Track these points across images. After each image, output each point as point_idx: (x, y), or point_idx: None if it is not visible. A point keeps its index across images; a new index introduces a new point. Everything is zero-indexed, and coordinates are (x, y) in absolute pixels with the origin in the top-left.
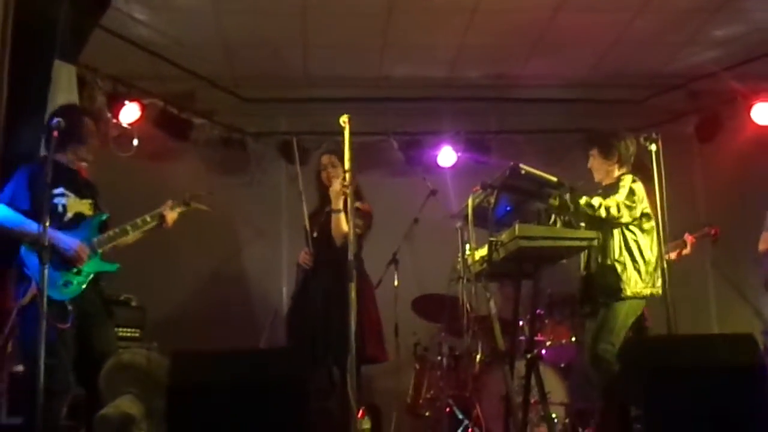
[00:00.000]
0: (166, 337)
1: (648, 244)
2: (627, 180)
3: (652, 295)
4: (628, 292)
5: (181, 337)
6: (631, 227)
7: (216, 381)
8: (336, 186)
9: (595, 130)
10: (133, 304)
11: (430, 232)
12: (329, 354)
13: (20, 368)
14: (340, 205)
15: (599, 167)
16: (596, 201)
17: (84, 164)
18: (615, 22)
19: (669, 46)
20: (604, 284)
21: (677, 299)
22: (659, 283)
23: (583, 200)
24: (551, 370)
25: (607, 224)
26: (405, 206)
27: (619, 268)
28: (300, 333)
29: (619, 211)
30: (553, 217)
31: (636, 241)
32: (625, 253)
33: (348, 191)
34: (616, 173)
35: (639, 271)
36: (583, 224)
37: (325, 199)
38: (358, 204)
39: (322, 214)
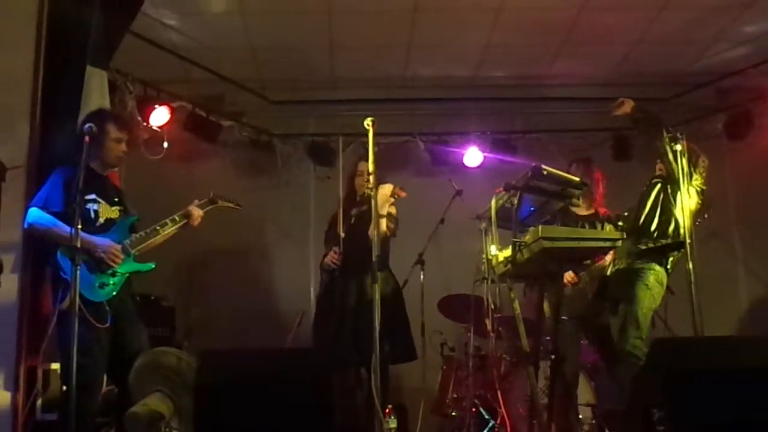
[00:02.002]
0: (196, 337)
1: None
2: None
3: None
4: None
5: (211, 336)
6: None
7: (243, 380)
8: (386, 191)
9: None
10: (165, 304)
11: (455, 233)
12: (357, 353)
13: (52, 366)
14: (385, 211)
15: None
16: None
17: (113, 170)
18: (641, 19)
19: (696, 44)
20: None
21: (706, 300)
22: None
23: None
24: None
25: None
26: (431, 207)
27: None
28: (326, 333)
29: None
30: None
31: None
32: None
33: (374, 196)
34: None
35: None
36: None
37: (352, 202)
38: (393, 209)
39: (348, 216)
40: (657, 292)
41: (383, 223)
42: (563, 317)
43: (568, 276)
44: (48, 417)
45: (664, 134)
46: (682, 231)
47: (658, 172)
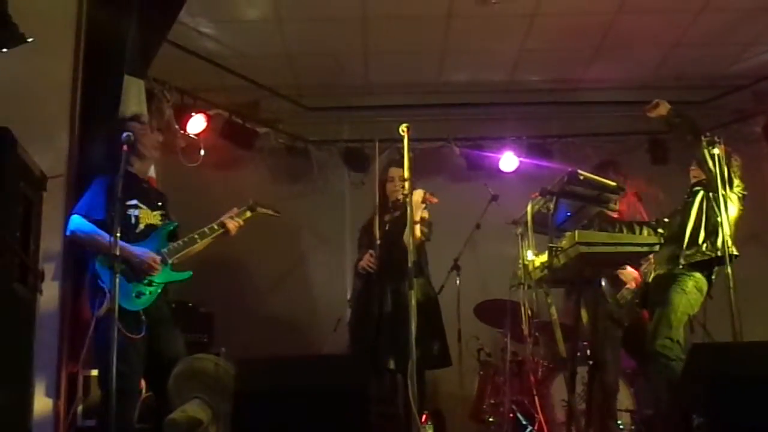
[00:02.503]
0: (233, 343)
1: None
2: None
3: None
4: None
5: (248, 342)
6: None
7: (281, 387)
8: (418, 197)
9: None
10: (201, 310)
11: (491, 238)
12: (394, 360)
13: (92, 373)
14: (418, 217)
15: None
16: None
17: (152, 175)
18: (677, 22)
19: (733, 46)
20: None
21: (745, 305)
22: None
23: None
24: None
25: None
26: (467, 212)
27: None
28: (363, 339)
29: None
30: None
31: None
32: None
33: (409, 202)
34: None
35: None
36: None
37: (385, 207)
38: (425, 213)
39: (382, 222)
40: (695, 299)
41: (417, 228)
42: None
43: (633, 275)
44: (88, 423)
45: (702, 139)
46: (725, 240)
47: (693, 179)
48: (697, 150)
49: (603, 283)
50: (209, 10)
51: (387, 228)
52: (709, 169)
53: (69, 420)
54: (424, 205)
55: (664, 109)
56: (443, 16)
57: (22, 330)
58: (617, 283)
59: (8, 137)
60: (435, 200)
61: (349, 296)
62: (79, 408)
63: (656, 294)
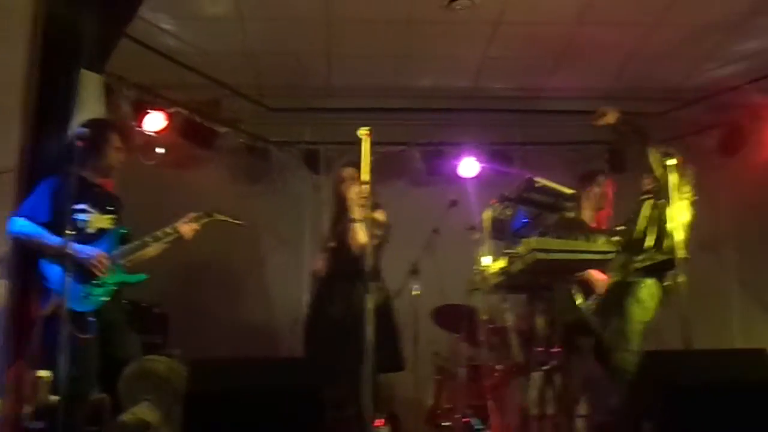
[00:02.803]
0: (189, 345)
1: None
2: None
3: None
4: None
5: (203, 344)
6: None
7: (233, 389)
8: (352, 195)
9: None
10: (156, 311)
11: (450, 243)
12: (347, 363)
13: (40, 374)
14: (359, 215)
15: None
16: None
17: (108, 176)
18: (637, 35)
19: (690, 60)
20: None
21: (697, 315)
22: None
23: None
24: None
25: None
26: (426, 216)
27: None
28: (318, 342)
29: None
30: None
31: None
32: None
33: (364, 201)
34: None
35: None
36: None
37: (343, 209)
38: (375, 214)
39: (340, 224)
40: (649, 306)
41: (360, 228)
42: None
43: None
44: (36, 425)
45: (652, 148)
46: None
47: (646, 187)
48: (646, 158)
49: (573, 290)
50: (170, 6)
51: (342, 230)
52: (658, 177)
53: (15, 421)
54: (363, 202)
55: (612, 117)
56: (407, 20)
57: None
58: (588, 290)
59: None
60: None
61: (307, 298)
62: (27, 409)
63: (611, 303)
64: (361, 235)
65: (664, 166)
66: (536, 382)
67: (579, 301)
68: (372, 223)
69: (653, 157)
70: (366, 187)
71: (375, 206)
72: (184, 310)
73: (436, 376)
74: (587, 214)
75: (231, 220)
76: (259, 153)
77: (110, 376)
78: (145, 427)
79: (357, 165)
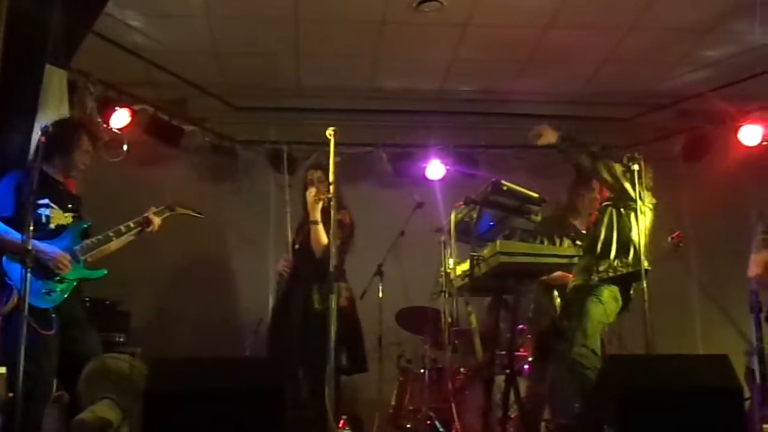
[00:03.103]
0: (151, 343)
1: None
2: None
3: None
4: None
5: (166, 343)
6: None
7: (194, 388)
8: (310, 197)
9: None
10: (119, 308)
11: (415, 245)
12: (308, 364)
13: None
14: (317, 216)
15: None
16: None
17: (73, 176)
18: (605, 40)
19: (659, 65)
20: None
21: (660, 320)
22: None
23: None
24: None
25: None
26: (392, 218)
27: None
28: (280, 343)
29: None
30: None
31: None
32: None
33: (324, 201)
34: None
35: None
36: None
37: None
38: (339, 215)
39: (306, 226)
40: (611, 308)
41: (320, 230)
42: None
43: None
44: None
45: (599, 161)
46: (640, 253)
47: (599, 194)
48: (597, 172)
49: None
50: (138, 3)
51: (307, 231)
52: (606, 180)
53: None
54: (320, 204)
55: (552, 136)
56: (377, 21)
57: None
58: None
59: None
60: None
61: (271, 298)
62: None
63: (573, 304)
64: (321, 236)
65: (615, 176)
66: (499, 386)
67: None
68: (335, 224)
69: (603, 168)
70: (332, 187)
71: (340, 207)
72: (147, 308)
73: (400, 377)
74: (579, 219)
75: (192, 213)
76: (225, 152)
77: (70, 373)
78: (105, 425)
79: (323, 167)
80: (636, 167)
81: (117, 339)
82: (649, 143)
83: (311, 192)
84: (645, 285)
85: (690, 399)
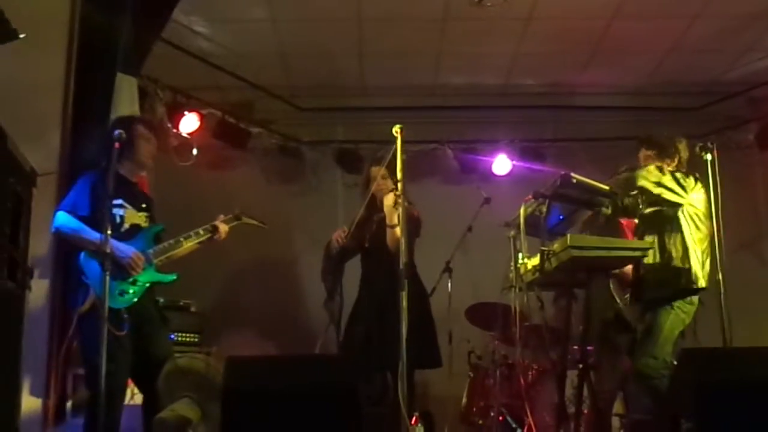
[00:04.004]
0: (224, 343)
1: (696, 243)
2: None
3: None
4: (676, 300)
5: (239, 342)
6: (682, 225)
7: (270, 387)
8: (390, 201)
9: (652, 135)
10: (192, 309)
11: (483, 241)
12: (383, 360)
13: (81, 371)
14: (395, 221)
15: (646, 159)
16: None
17: (143, 174)
18: (672, 29)
19: (729, 53)
20: (653, 284)
21: (735, 311)
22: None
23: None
24: None
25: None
26: (459, 214)
27: (665, 268)
28: (352, 340)
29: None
30: None
31: (683, 241)
32: (674, 251)
33: (401, 204)
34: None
35: (685, 271)
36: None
37: (372, 208)
38: (410, 211)
39: (370, 222)
40: (686, 311)
41: (397, 230)
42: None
43: None
44: (78, 421)
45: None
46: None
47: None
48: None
49: (611, 285)
50: (203, 9)
51: (374, 228)
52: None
53: (57, 418)
54: (398, 209)
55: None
56: (439, 18)
57: (11, 327)
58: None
59: None
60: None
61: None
62: (68, 405)
63: (646, 300)
64: (398, 236)
65: (705, 163)
66: (572, 381)
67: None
68: (404, 221)
69: (633, 204)
70: (401, 185)
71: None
72: (220, 308)
73: (470, 374)
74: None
75: (258, 223)
76: (292, 153)
77: (143, 372)
78: (185, 423)
79: (386, 164)
80: (708, 157)
81: (191, 339)
82: (721, 132)
83: (389, 198)
84: (720, 277)
85: None
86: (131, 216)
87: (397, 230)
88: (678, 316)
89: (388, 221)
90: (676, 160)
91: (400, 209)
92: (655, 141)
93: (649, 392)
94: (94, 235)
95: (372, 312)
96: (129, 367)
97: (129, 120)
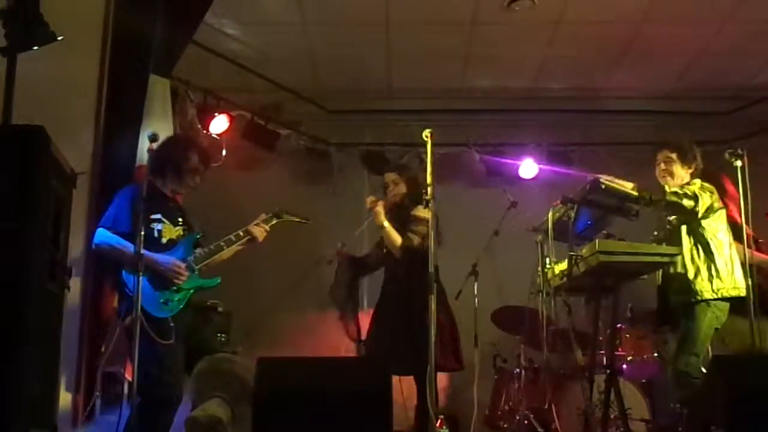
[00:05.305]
0: (251, 343)
1: (722, 245)
2: (697, 182)
3: (738, 296)
4: (707, 296)
5: (265, 343)
6: (702, 230)
7: (301, 388)
8: (366, 205)
9: (675, 139)
10: (220, 309)
11: (510, 244)
12: (407, 364)
13: (114, 369)
14: (382, 221)
15: (677, 172)
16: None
17: (182, 192)
18: (701, 33)
19: (758, 57)
20: (680, 292)
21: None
22: (743, 284)
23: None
24: (632, 385)
25: (691, 219)
26: (485, 218)
27: (691, 272)
28: (378, 343)
29: (697, 200)
30: None
31: (708, 243)
32: (697, 256)
33: (431, 209)
34: (686, 169)
35: (717, 273)
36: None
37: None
38: (415, 212)
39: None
40: (721, 309)
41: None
42: None
43: None
44: (108, 418)
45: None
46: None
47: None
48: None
49: None
50: (234, 12)
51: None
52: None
53: (87, 414)
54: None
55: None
56: (467, 21)
57: (52, 325)
58: None
59: (43, 136)
60: (384, 201)
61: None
62: (98, 402)
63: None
64: (392, 237)
65: (735, 169)
66: (599, 385)
67: None
68: (433, 227)
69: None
70: (431, 189)
71: (418, 203)
72: (247, 309)
73: (496, 377)
74: None
75: (299, 219)
76: (320, 155)
77: None
78: (216, 422)
79: (399, 169)
80: (738, 163)
81: (220, 339)
82: (750, 137)
83: (368, 200)
84: (750, 283)
85: None
86: (168, 231)
87: (388, 231)
88: (714, 313)
89: (376, 222)
90: (693, 167)
91: (394, 209)
92: (678, 144)
93: (689, 394)
94: (133, 250)
95: (395, 316)
96: (181, 375)
97: (187, 143)
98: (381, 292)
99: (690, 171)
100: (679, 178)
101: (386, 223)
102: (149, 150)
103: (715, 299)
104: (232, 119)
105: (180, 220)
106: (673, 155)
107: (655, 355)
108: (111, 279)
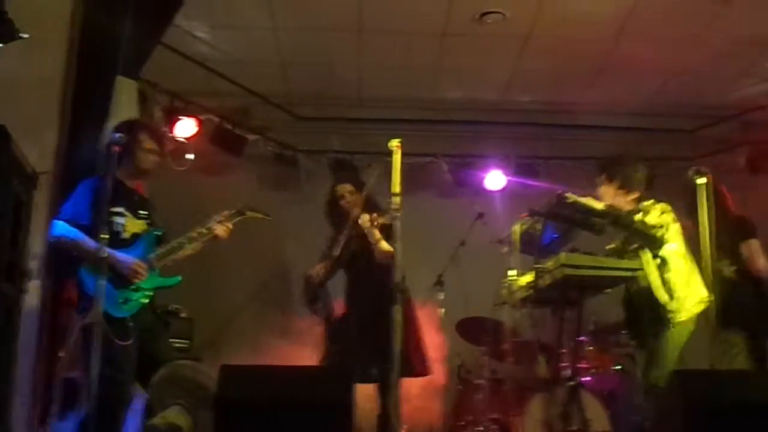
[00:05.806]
0: (212, 350)
1: (679, 257)
2: (657, 207)
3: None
4: (674, 309)
5: (228, 350)
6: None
7: (264, 397)
8: (365, 223)
9: (605, 157)
10: (182, 315)
11: (476, 255)
12: (371, 372)
13: (73, 375)
14: (377, 237)
15: (617, 203)
16: (650, 219)
17: (141, 178)
18: (671, 52)
19: (724, 77)
20: (646, 307)
21: None
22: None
23: (637, 217)
24: (593, 397)
25: (654, 248)
26: (452, 228)
27: (656, 286)
28: (342, 352)
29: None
30: None
31: (666, 259)
32: (657, 270)
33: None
34: (629, 198)
35: (680, 287)
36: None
37: (342, 223)
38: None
39: (349, 240)
40: (691, 319)
41: (383, 243)
42: None
43: None
44: (63, 425)
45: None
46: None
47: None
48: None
49: None
50: (205, 15)
51: (356, 245)
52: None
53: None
54: (375, 226)
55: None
56: (439, 33)
57: (6, 330)
58: None
59: (3, 134)
60: (382, 220)
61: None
62: (55, 409)
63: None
64: (386, 247)
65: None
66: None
67: None
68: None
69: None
70: (398, 199)
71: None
72: (209, 315)
73: (459, 387)
74: None
75: (262, 216)
76: (287, 161)
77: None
78: (175, 430)
79: (350, 180)
80: (702, 180)
81: (180, 345)
82: (713, 155)
83: (365, 218)
84: (711, 298)
85: (761, 415)
86: (131, 224)
87: (382, 243)
88: (683, 326)
89: (369, 238)
90: (637, 194)
91: (399, 223)
92: (622, 173)
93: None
94: (92, 245)
95: (358, 324)
96: (133, 375)
97: (132, 125)
98: (348, 303)
99: (632, 198)
100: (609, 198)
101: (380, 238)
102: (112, 151)
103: (681, 314)
104: (199, 123)
105: (142, 212)
106: (611, 188)
107: (617, 368)
108: (71, 274)
